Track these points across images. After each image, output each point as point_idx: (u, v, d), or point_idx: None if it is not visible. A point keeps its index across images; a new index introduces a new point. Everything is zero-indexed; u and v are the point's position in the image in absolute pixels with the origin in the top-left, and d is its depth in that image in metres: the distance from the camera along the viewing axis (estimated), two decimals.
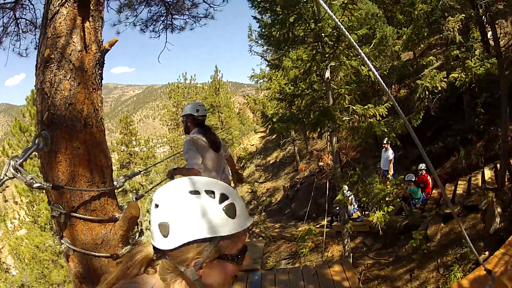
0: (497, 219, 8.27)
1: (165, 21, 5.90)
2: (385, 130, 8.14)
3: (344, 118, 8.78)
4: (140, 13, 5.73)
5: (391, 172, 12.15)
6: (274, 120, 9.19)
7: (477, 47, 11.43)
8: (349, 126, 8.98)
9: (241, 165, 28.28)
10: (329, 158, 17.48)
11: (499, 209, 8.45)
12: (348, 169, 9.03)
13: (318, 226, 12.81)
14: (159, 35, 6.00)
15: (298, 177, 20.08)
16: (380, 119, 8.34)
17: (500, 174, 9.40)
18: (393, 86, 18.28)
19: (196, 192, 1.13)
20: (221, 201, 1.13)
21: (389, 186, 8.91)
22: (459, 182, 11.31)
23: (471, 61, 11.15)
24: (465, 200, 9.89)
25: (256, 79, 22.43)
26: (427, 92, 11.49)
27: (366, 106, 8.47)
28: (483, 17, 10.36)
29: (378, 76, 1.32)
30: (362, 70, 8.88)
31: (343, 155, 13.31)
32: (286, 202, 18.36)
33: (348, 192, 9.79)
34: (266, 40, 9.50)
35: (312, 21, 8.41)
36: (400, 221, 10.80)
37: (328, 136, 10.12)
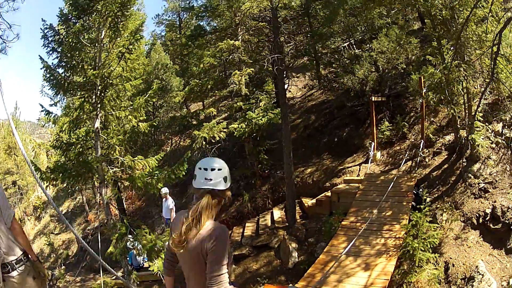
0: (294, 254, 8.59)
1: None
2: (150, 181, 8.17)
3: (114, 169, 8.40)
4: None
5: None
6: (43, 170, 8.49)
7: (263, 98, 12.44)
8: (116, 177, 8.68)
9: (37, 215, 24.86)
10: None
11: (293, 245, 8.83)
12: (118, 222, 8.79)
13: (114, 278, 11.19)
14: None
15: (89, 228, 18.73)
16: (151, 170, 8.40)
17: (290, 213, 10.06)
18: (177, 136, 18.31)
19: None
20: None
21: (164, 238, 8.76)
22: (247, 224, 11.65)
23: (254, 112, 12.04)
24: (253, 241, 10.14)
25: (43, 123, 19.82)
26: (204, 142, 11.77)
27: (136, 158, 8.43)
28: (275, 71, 11.36)
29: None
30: (131, 121, 8.79)
31: (130, 204, 12.30)
32: (81, 255, 16.99)
33: (135, 242, 9.06)
34: (49, 83, 8.70)
35: (90, 67, 8.17)
36: None
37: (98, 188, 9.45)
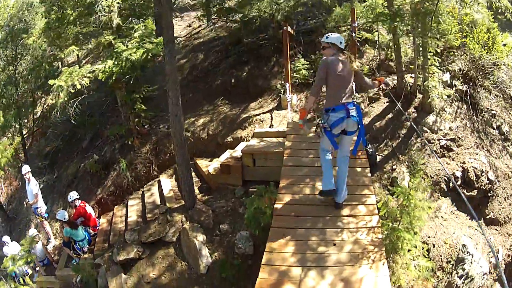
0: (204, 252, 5.92)
1: None
2: None
3: None
4: None
5: (44, 208, 8.63)
6: None
7: (139, 28, 8.77)
8: None
9: None
10: None
11: (200, 237, 6.13)
12: None
13: None
14: None
15: None
16: None
17: (185, 188, 7.02)
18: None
19: None
20: None
21: None
22: (130, 203, 8.58)
23: (125, 45, 8.50)
24: (141, 235, 6.74)
25: None
26: (62, 94, 8.07)
27: None
28: None
29: None
30: None
31: None
32: None
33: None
34: None
35: None
36: (73, 275, 6.98)
37: None
